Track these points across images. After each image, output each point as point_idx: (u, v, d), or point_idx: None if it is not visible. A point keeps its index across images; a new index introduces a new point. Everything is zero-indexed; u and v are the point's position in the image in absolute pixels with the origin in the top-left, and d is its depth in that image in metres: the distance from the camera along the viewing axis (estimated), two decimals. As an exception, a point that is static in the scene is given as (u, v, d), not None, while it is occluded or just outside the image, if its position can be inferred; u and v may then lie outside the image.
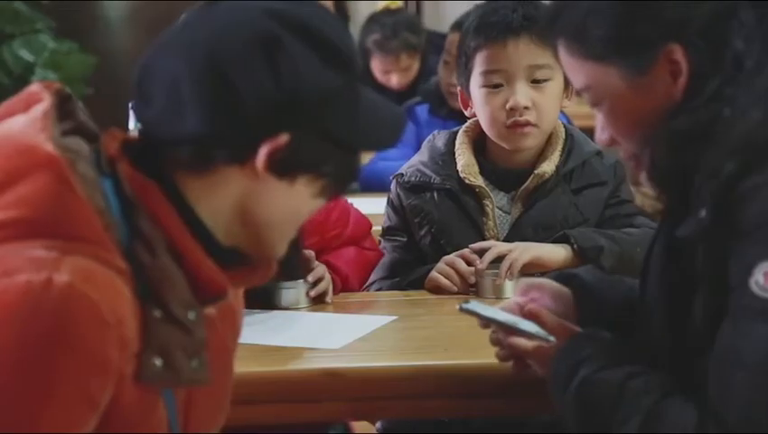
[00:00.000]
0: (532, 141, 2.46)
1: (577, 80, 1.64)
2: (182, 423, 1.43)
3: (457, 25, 4.27)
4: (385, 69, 4.84)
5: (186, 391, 1.42)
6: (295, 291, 2.34)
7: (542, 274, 2.35)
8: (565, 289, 1.83)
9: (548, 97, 2.44)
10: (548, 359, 1.67)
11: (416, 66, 4.79)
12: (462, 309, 1.76)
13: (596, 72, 1.60)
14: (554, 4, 1.67)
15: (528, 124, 2.43)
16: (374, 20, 5.01)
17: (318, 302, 2.35)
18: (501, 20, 2.43)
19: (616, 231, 2.43)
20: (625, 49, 1.56)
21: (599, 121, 1.64)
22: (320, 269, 2.36)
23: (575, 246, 2.38)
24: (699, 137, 1.50)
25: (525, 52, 2.42)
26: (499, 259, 2.38)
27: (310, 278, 2.34)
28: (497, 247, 2.39)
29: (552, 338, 1.70)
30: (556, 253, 2.39)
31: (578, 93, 1.66)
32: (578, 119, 3.69)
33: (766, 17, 1.53)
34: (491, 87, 2.45)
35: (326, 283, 2.36)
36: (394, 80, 4.84)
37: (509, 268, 2.34)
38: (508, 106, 2.42)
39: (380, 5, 5.18)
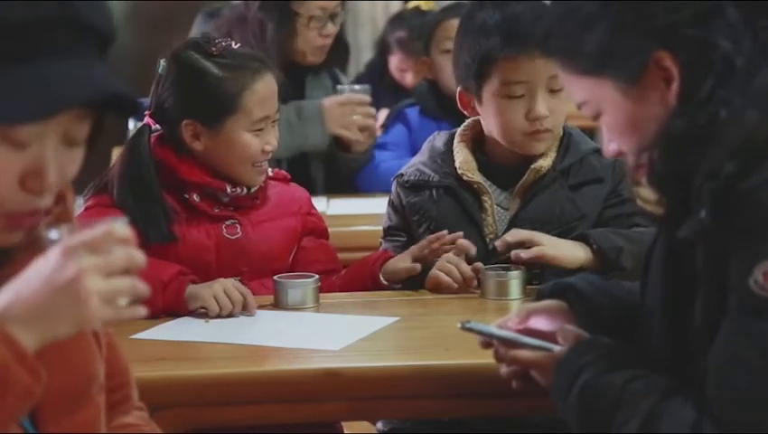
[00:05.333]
0: (546, 145, 2.49)
1: (575, 95, 1.66)
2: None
3: (451, 12, 4.23)
4: (402, 67, 4.85)
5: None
6: (301, 291, 2.33)
7: (544, 267, 2.38)
8: (560, 303, 1.84)
9: (563, 103, 2.46)
10: (550, 368, 1.67)
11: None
12: (463, 328, 1.78)
13: (592, 86, 1.61)
14: (543, 25, 1.68)
15: (547, 131, 2.46)
16: (402, 17, 5.01)
17: (325, 302, 2.36)
18: (527, 30, 2.39)
19: (629, 231, 2.43)
20: (615, 61, 1.57)
21: (604, 134, 1.65)
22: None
23: (594, 246, 2.38)
24: (697, 140, 1.50)
25: (548, 63, 2.36)
26: (504, 262, 2.38)
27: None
28: (519, 232, 2.38)
29: (556, 348, 1.70)
30: (576, 255, 2.37)
31: (579, 107, 1.66)
32: (573, 119, 3.68)
33: (752, 16, 1.53)
34: (513, 97, 2.45)
35: None
36: (408, 79, 4.85)
37: (527, 256, 2.34)
38: (531, 116, 2.44)
39: (397, 5, 5.15)
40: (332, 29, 3.75)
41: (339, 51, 3.88)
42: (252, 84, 2.44)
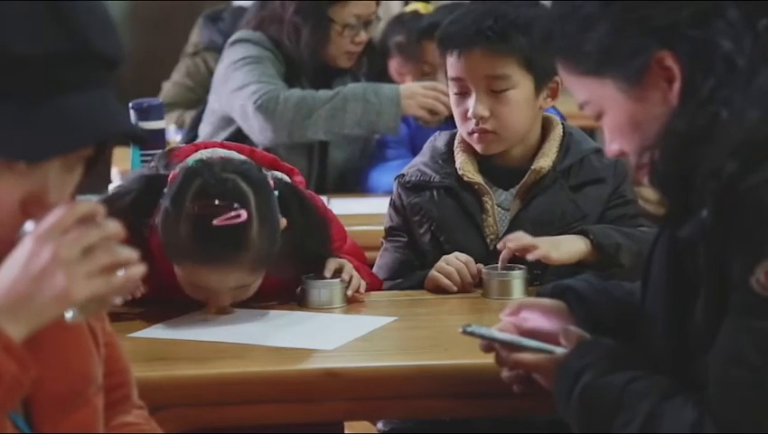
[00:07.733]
0: (496, 147, 2.49)
1: (577, 95, 1.66)
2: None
3: (427, 32, 4.26)
4: (400, 71, 4.87)
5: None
6: (328, 291, 2.32)
7: (545, 267, 2.38)
8: (558, 304, 1.83)
9: (509, 105, 2.45)
10: (552, 370, 1.67)
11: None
12: (464, 332, 1.79)
13: (593, 86, 1.61)
14: (544, 25, 1.68)
15: (487, 132, 2.46)
16: (400, 21, 5.02)
17: (352, 301, 2.34)
18: (458, 30, 2.46)
19: (631, 229, 2.42)
20: (617, 61, 1.57)
21: (606, 134, 1.65)
22: (348, 267, 2.35)
23: (593, 241, 2.38)
24: (698, 140, 1.50)
25: (480, 63, 2.44)
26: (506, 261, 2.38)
27: (344, 276, 2.33)
28: (522, 239, 2.37)
29: (558, 349, 1.70)
30: (576, 248, 2.37)
31: (581, 107, 1.66)
32: (573, 119, 3.68)
33: (753, 15, 1.53)
34: (457, 94, 2.49)
35: (358, 279, 2.35)
36: (407, 82, 4.86)
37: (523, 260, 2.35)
38: (468, 114, 2.46)
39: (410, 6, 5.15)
40: (364, 36, 3.84)
41: (368, 55, 4.01)
42: None
